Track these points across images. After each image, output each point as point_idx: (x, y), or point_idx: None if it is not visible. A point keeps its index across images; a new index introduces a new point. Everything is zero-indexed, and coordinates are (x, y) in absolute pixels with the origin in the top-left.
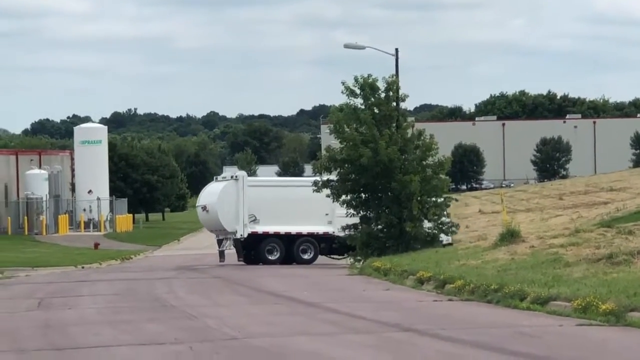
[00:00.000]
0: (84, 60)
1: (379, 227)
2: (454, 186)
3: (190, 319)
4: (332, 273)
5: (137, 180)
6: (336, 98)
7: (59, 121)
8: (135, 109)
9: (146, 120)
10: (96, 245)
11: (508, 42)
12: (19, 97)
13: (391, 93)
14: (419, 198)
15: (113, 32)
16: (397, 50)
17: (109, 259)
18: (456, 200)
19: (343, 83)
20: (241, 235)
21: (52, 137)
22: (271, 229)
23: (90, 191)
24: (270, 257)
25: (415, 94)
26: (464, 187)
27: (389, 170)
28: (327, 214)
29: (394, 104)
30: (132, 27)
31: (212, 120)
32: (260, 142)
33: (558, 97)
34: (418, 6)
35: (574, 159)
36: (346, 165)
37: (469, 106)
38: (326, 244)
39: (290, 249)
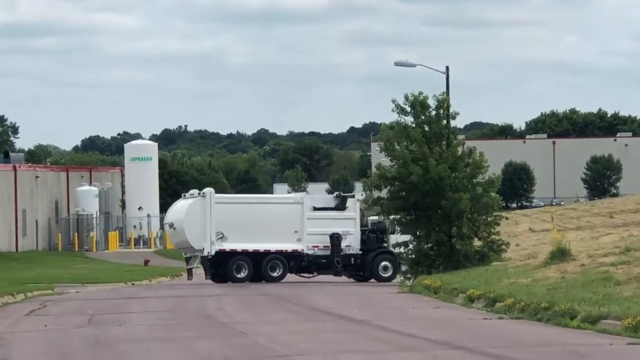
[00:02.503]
0: (134, 77)
1: (429, 245)
2: (504, 204)
3: (240, 336)
4: (382, 291)
5: None
6: (386, 116)
7: (109, 138)
8: (186, 126)
9: (196, 137)
10: (146, 262)
11: (559, 60)
12: (69, 113)
13: (442, 111)
14: (469, 216)
15: (164, 48)
16: (447, 68)
17: (158, 275)
18: (506, 218)
19: (394, 101)
20: (208, 252)
21: (102, 153)
22: (239, 246)
23: (140, 208)
24: (238, 275)
25: (465, 112)
26: (514, 205)
27: (439, 188)
28: (296, 231)
29: (445, 121)
30: (182, 44)
31: (262, 137)
32: (310, 159)
33: (609, 115)
34: (469, 24)
35: (624, 177)
36: (396, 183)
37: (519, 124)
38: (295, 262)
39: (259, 266)
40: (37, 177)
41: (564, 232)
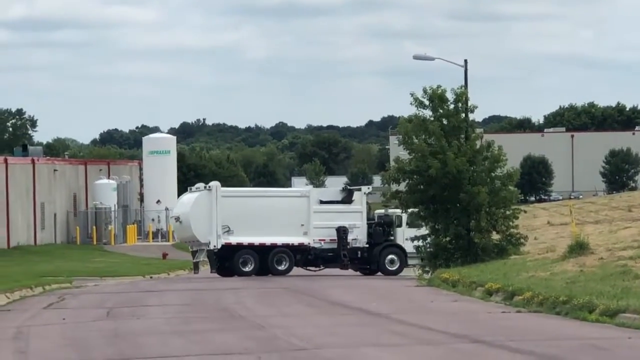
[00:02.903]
0: (152, 71)
1: (447, 238)
2: (522, 198)
3: (258, 329)
4: (401, 284)
5: None
6: (405, 109)
7: (127, 131)
8: (204, 119)
9: (215, 130)
10: (164, 255)
11: (577, 54)
12: (87, 107)
13: (460, 104)
14: (487, 209)
15: (182, 42)
16: (466, 61)
17: (177, 269)
18: (524, 211)
19: (412, 94)
20: (214, 246)
21: (120, 147)
22: (245, 240)
23: (158, 201)
24: (244, 269)
25: (484, 105)
26: (532, 198)
27: (457, 182)
28: (302, 225)
29: (463, 115)
30: (201, 37)
31: (280, 130)
32: (328, 152)
33: (627, 109)
34: (487, 17)
35: None
36: (415, 176)
37: (537, 118)
38: (302, 255)
39: (265, 260)
40: (55, 170)
41: (582, 226)
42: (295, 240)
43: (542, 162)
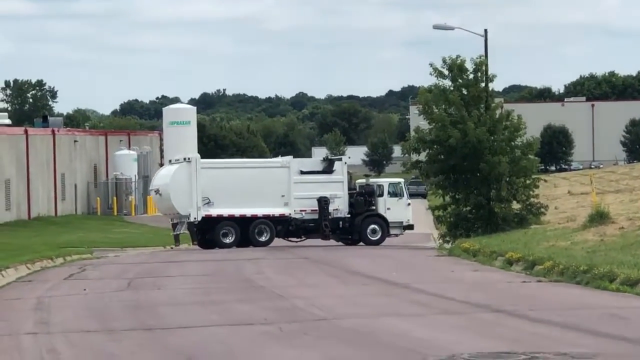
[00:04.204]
0: (172, 41)
1: (468, 208)
2: (542, 167)
3: (279, 299)
4: (421, 254)
5: None
6: (425, 79)
7: (147, 102)
8: (224, 90)
9: (235, 101)
10: None
11: (598, 23)
12: (108, 78)
13: (479, 74)
14: (507, 179)
15: (203, 12)
16: (486, 31)
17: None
18: (545, 181)
19: (431, 64)
20: (195, 218)
21: (140, 117)
22: (226, 211)
23: None
24: (225, 241)
25: (504, 75)
26: (552, 168)
27: (477, 151)
28: (283, 196)
29: (483, 84)
30: (221, 8)
31: (300, 101)
32: (349, 122)
33: None
34: None
35: None
36: (435, 146)
37: (558, 87)
38: (283, 226)
39: (246, 231)
40: (75, 141)
41: (602, 195)
42: (276, 211)
43: (563, 132)
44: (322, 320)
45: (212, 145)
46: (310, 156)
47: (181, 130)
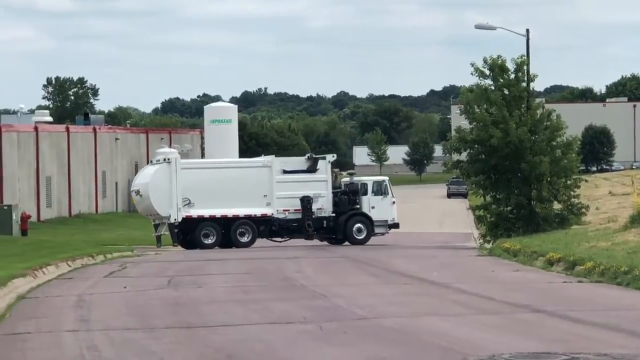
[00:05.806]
0: (215, 40)
1: (509, 208)
2: (583, 168)
3: (319, 298)
4: (462, 254)
5: None
6: (466, 79)
7: (189, 100)
8: (266, 88)
9: (276, 99)
10: None
11: None
12: (150, 76)
13: (520, 74)
14: (548, 179)
15: (243, 11)
16: (527, 30)
17: None
18: (586, 181)
19: (472, 64)
20: (175, 219)
21: (182, 115)
22: (207, 212)
23: None
24: (206, 241)
25: (545, 75)
26: (594, 168)
27: (518, 151)
28: (265, 195)
29: (524, 84)
30: (263, 6)
31: (342, 100)
32: (390, 122)
33: None
34: None
35: None
36: (476, 146)
37: (599, 87)
38: (265, 226)
39: (227, 232)
40: (117, 139)
41: None
42: (257, 211)
43: (604, 132)
44: (362, 319)
45: (253, 143)
46: (351, 155)
47: (222, 129)
